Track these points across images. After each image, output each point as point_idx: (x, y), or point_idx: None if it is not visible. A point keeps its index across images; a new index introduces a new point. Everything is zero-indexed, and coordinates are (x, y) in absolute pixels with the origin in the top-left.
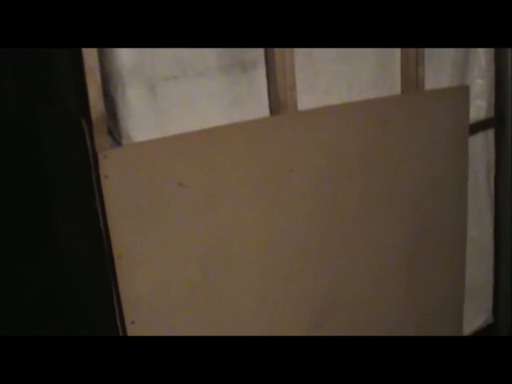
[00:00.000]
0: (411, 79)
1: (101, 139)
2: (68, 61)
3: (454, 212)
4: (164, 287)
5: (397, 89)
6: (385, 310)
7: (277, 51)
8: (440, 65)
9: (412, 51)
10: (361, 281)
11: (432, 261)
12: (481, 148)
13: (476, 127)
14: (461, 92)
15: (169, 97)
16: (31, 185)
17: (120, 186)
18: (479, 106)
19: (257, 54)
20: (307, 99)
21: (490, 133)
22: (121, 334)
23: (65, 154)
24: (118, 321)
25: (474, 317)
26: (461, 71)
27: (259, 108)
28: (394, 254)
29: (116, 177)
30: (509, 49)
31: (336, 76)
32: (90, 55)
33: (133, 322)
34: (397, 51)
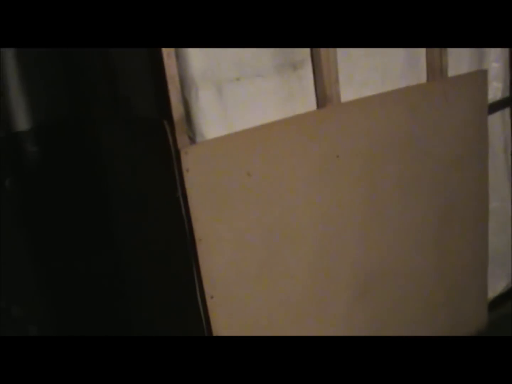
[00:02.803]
0: (436, 67)
1: (181, 138)
2: (142, 66)
3: (476, 186)
4: (237, 265)
5: (423, 78)
6: (418, 278)
7: (323, 50)
8: (460, 53)
9: None
10: (396, 254)
11: (458, 233)
12: (498, 126)
13: (494, 107)
14: (480, 76)
15: (233, 97)
16: (89, 181)
17: (198, 178)
18: (496, 88)
19: (304, 53)
20: (347, 91)
21: (507, 111)
22: (201, 309)
23: (136, 152)
24: (198, 297)
25: (498, 282)
26: (479, 56)
27: (308, 102)
28: (424, 229)
29: (195, 170)
30: None
31: (371, 69)
32: (170, 63)
33: (212, 297)
34: None
